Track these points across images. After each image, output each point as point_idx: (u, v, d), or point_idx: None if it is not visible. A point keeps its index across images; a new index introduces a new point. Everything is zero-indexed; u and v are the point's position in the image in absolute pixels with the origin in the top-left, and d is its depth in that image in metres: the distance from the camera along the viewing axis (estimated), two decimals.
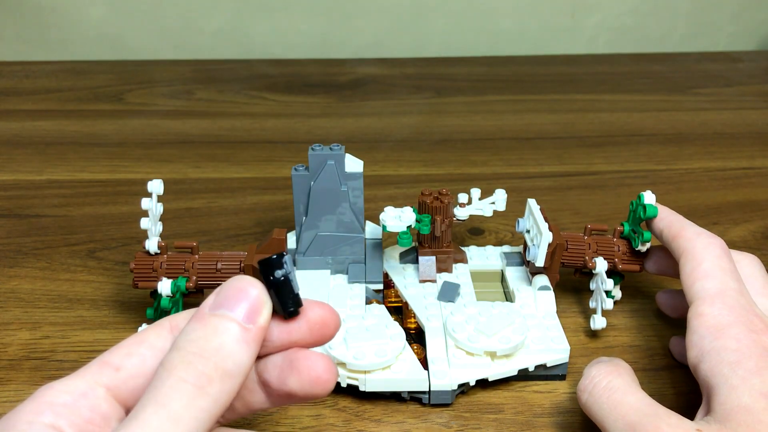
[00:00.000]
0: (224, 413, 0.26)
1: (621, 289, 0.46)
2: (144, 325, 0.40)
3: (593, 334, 0.44)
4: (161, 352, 0.25)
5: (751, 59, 0.98)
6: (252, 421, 0.38)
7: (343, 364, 0.38)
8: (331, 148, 0.43)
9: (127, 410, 0.25)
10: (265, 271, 0.25)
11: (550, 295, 0.43)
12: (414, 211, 0.43)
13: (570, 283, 0.48)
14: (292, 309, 0.25)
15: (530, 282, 0.45)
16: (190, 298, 0.42)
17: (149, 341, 0.26)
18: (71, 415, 0.23)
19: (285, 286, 0.25)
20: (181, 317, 0.26)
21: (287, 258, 0.25)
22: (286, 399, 0.26)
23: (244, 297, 0.24)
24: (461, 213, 0.46)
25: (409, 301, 0.43)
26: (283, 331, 0.26)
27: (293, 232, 0.48)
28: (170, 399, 0.22)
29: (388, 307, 0.43)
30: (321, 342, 0.26)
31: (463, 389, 0.39)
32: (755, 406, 0.28)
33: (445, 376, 0.38)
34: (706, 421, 0.29)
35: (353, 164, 0.44)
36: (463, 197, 0.46)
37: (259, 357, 0.26)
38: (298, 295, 0.25)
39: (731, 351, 0.30)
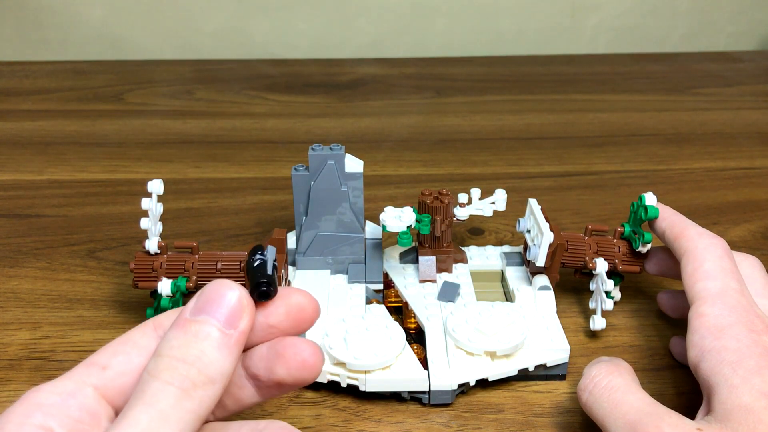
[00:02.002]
0: (215, 411, 0.26)
1: (621, 289, 0.46)
2: None
3: (593, 334, 0.44)
4: (146, 350, 0.25)
5: (751, 59, 0.98)
6: (252, 419, 0.38)
7: (343, 364, 0.38)
8: (331, 148, 0.43)
9: (116, 409, 0.25)
10: (248, 258, 0.25)
11: (550, 295, 0.43)
12: (414, 211, 0.43)
13: (570, 283, 0.48)
14: (264, 289, 0.25)
15: (530, 282, 0.45)
16: (190, 297, 0.42)
17: (134, 340, 0.26)
18: (61, 415, 0.23)
19: (258, 270, 0.25)
20: (164, 317, 0.26)
21: (270, 248, 0.25)
22: (276, 389, 0.27)
23: (224, 301, 0.24)
24: (461, 213, 0.46)
25: (409, 301, 0.43)
26: (261, 314, 0.26)
27: (293, 232, 0.48)
28: (157, 399, 0.22)
29: (388, 307, 0.43)
30: (300, 328, 0.27)
31: (463, 389, 0.39)
32: (756, 406, 0.28)
33: (445, 376, 0.38)
34: (706, 421, 0.29)
35: (353, 164, 0.44)
36: (463, 197, 0.46)
37: (245, 349, 0.26)
38: (272, 280, 0.26)
39: (732, 351, 0.30)
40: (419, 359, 0.39)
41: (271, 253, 0.26)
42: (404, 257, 0.47)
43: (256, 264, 0.25)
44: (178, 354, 0.23)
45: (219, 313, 0.24)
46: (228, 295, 0.24)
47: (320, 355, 0.26)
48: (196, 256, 0.42)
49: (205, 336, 0.24)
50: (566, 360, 0.40)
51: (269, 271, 0.26)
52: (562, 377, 0.40)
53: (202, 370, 0.23)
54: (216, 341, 0.24)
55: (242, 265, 0.42)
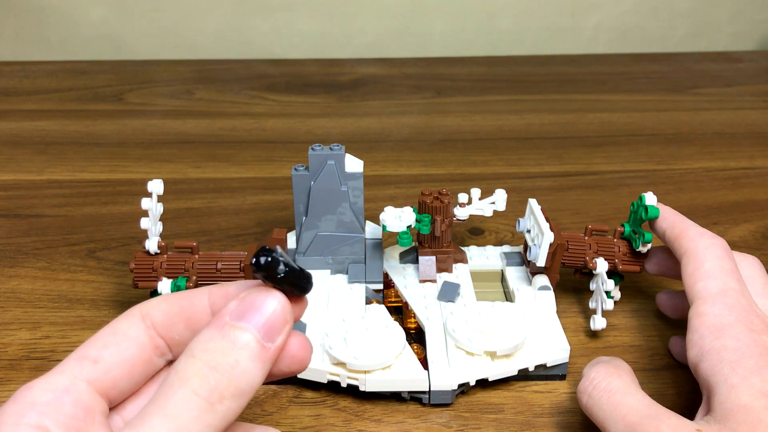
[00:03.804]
0: None
1: (621, 289, 0.46)
2: None
3: (593, 334, 0.44)
4: (136, 341, 0.25)
5: (751, 59, 0.98)
6: (252, 420, 0.38)
7: (343, 364, 0.38)
8: (331, 148, 0.43)
9: (109, 401, 0.25)
10: (269, 274, 0.24)
11: (550, 295, 0.43)
12: (414, 211, 0.43)
13: (570, 283, 0.48)
14: (307, 286, 0.25)
15: (530, 282, 0.45)
16: None
17: (123, 331, 0.25)
18: (55, 413, 0.23)
19: (293, 274, 0.24)
20: (152, 307, 0.26)
21: (276, 249, 0.24)
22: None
23: (267, 311, 0.24)
24: (461, 213, 0.46)
25: (409, 301, 0.43)
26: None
27: (293, 232, 0.48)
28: (180, 412, 0.22)
29: (388, 307, 0.43)
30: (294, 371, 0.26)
31: (463, 389, 0.39)
32: (755, 405, 0.28)
33: (445, 376, 0.38)
34: (706, 421, 0.29)
35: (353, 164, 0.44)
36: (463, 197, 0.46)
37: None
38: (302, 270, 0.25)
39: (731, 350, 0.30)
40: (419, 359, 0.39)
41: (279, 252, 0.24)
42: (404, 257, 0.47)
43: (288, 270, 0.24)
44: (211, 360, 0.23)
45: (260, 324, 0.23)
46: (272, 305, 0.24)
47: (309, 347, 0.26)
48: (196, 256, 0.42)
49: (242, 345, 0.23)
50: (566, 360, 0.40)
51: (299, 268, 0.24)
52: (562, 377, 0.40)
53: (232, 380, 0.23)
54: (252, 352, 0.23)
55: (243, 264, 0.42)
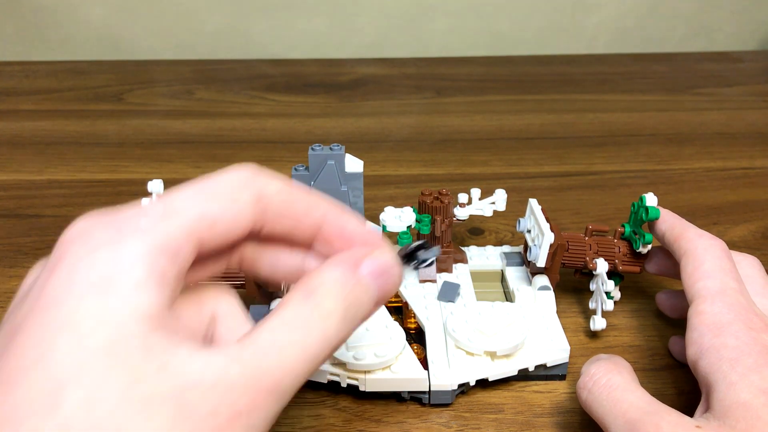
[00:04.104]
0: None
1: (621, 289, 0.46)
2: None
3: (593, 334, 0.44)
4: (245, 220, 0.23)
5: (751, 59, 0.98)
6: None
7: (343, 364, 0.38)
8: (331, 148, 0.43)
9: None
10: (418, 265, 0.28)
11: (550, 295, 0.43)
12: (414, 211, 0.43)
13: (570, 283, 0.48)
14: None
15: (530, 282, 0.45)
16: None
17: (241, 202, 0.23)
18: (172, 267, 0.21)
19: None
20: (271, 188, 0.24)
21: (431, 248, 0.29)
22: None
23: (392, 279, 0.26)
24: (461, 213, 0.46)
25: (409, 301, 0.43)
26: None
27: None
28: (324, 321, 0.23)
29: (388, 307, 0.43)
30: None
31: (463, 389, 0.39)
32: (754, 403, 0.28)
33: (445, 376, 0.38)
34: (705, 418, 0.29)
35: (353, 164, 0.44)
36: (463, 197, 0.46)
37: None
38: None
39: (730, 348, 0.30)
40: (419, 359, 0.39)
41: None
42: None
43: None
44: (349, 305, 0.24)
45: (383, 288, 0.25)
46: (397, 277, 0.26)
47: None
48: None
49: (368, 302, 0.25)
50: (566, 360, 0.40)
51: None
52: (562, 377, 0.40)
53: (356, 321, 0.24)
54: (370, 305, 0.25)
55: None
